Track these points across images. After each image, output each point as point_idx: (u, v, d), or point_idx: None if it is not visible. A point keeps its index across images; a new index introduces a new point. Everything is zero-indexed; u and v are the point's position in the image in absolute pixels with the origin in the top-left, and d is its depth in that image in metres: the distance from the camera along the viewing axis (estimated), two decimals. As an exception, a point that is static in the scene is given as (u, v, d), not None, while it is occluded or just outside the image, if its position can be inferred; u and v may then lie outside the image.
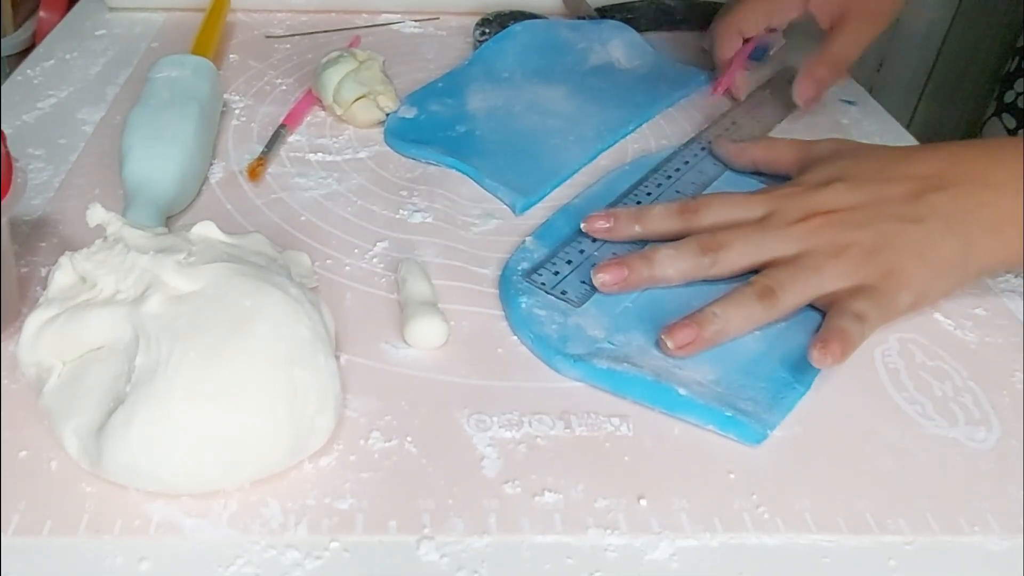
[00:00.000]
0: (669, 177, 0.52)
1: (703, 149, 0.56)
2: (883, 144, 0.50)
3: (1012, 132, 0.76)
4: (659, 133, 0.60)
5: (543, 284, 0.43)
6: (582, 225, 0.46)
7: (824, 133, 0.61)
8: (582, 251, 0.45)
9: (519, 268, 0.44)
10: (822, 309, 0.42)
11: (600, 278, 0.42)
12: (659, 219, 0.45)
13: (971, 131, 0.84)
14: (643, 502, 0.33)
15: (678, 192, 0.51)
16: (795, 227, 0.43)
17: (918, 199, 0.43)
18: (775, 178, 0.51)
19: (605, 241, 0.46)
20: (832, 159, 0.47)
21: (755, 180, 0.53)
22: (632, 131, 0.60)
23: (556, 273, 0.44)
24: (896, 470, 0.35)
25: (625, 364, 0.38)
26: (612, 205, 0.49)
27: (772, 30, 0.65)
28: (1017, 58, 0.78)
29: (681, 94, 0.65)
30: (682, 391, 0.37)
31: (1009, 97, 0.77)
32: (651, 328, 0.41)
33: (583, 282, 0.43)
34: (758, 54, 0.67)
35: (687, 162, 0.54)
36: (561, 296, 0.42)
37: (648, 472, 0.35)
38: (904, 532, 0.33)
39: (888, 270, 0.41)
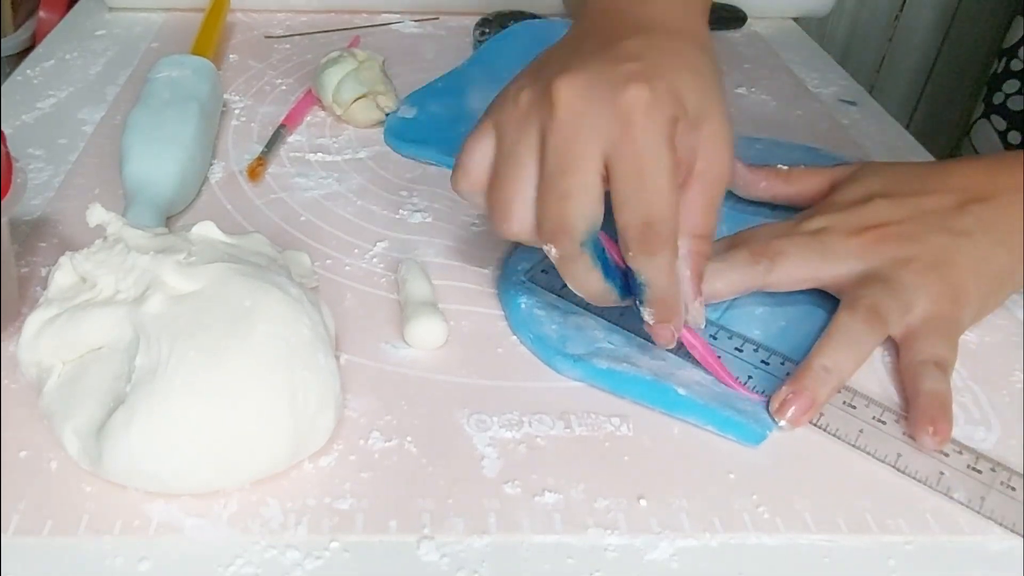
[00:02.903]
0: None
1: None
2: (910, 160, 0.48)
3: (1003, 134, 0.76)
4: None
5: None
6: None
7: (824, 133, 0.61)
8: None
9: (519, 268, 0.44)
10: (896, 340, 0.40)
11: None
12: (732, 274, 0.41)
13: (961, 132, 0.85)
14: (643, 502, 0.33)
15: None
16: (853, 240, 0.41)
17: (961, 211, 0.41)
18: (786, 211, 0.47)
19: None
20: (862, 179, 0.45)
21: (758, 216, 0.48)
22: (632, 131, 0.60)
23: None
24: (896, 470, 0.35)
25: (624, 364, 0.38)
26: None
27: None
28: (1004, 59, 0.78)
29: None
30: (681, 391, 0.37)
31: (998, 98, 0.77)
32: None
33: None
34: None
35: None
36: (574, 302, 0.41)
37: (648, 472, 0.35)
38: (904, 532, 0.33)
39: (950, 286, 0.40)
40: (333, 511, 0.32)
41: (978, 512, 0.33)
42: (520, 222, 0.36)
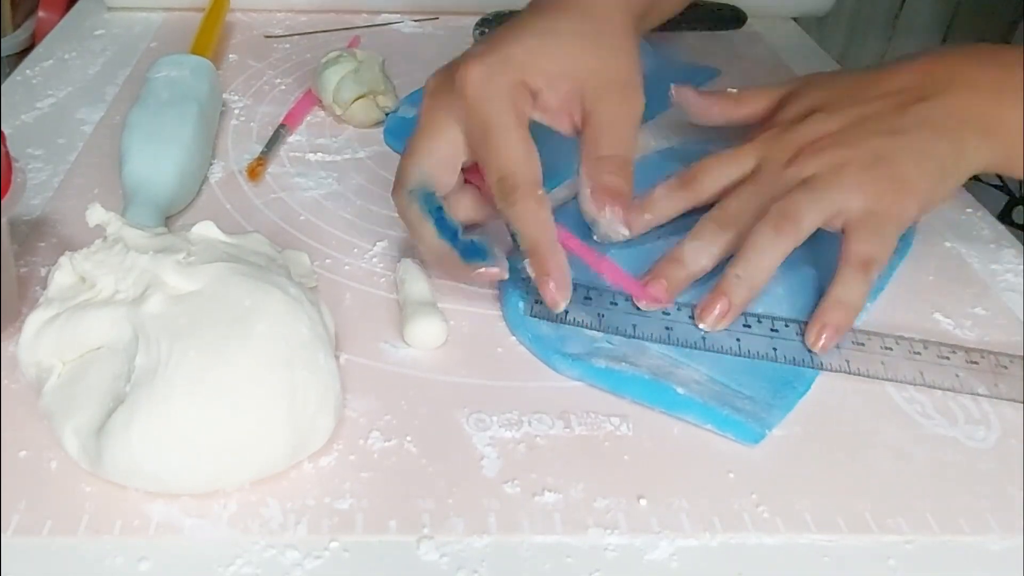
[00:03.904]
0: None
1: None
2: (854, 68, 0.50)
3: None
4: (659, 133, 0.60)
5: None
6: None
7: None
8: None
9: (518, 268, 0.44)
10: (837, 235, 0.41)
11: (643, 304, 0.41)
12: (665, 201, 0.45)
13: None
14: (643, 502, 0.33)
15: None
16: (790, 167, 0.42)
17: (902, 112, 0.43)
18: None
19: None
20: (804, 94, 0.47)
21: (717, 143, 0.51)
22: (632, 131, 0.60)
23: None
24: (896, 470, 0.35)
25: (623, 363, 0.38)
26: None
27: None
28: None
29: (681, 94, 0.65)
30: (680, 390, 0.37)
31: None
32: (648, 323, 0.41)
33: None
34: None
35: None
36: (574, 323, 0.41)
37: (648, 472, 0.35)
38: (904, 532, 0.33)
39: (891, 181, 0.41)
40: (333, 511, 0.32)
41: (1001, 398, 0.39)
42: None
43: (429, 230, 0.40)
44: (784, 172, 0.42)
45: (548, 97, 0.42)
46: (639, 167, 0.53)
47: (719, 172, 0.45)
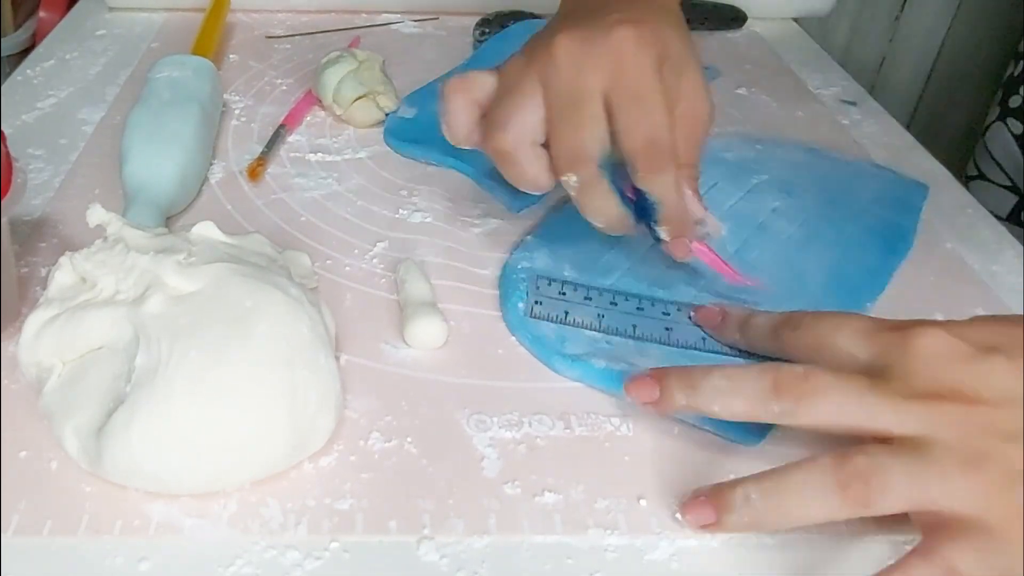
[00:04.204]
0: None
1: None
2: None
3: (1019, 137, 0.75)
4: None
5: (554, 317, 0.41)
6: (696, 316, 0.40)
7: (824, 134, 0.61)
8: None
9: (519, 268, 0.44)
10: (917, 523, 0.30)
11: (630, 392, 0.34)
12: (759, 331, 0.38)
13: (972, 132, 0.84)
14: (643, 502, 0.33)
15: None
16: (919, 403, 0.30)
17: None
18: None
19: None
20: (977, 324, 0.33)
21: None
22: (632, 131, 0.60)
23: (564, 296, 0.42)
24: (896, 470, 0.35)
25: (623, 364, 0.38)
26: None
27: None
28: (1021, 62, 0.78)
29: (681, 94, 0.64)
30: (682, 391, 0.37)
31: (1015, 102, 0.76)
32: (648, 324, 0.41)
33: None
34: None
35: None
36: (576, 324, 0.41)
37: (648, 472, 0.35)
38: (905, 532, 0.33)
39: None
40: (333, 511, 0.32)
41: None
42: (517, 131, 0.39)
43: (615, 201, 0.39)
44: (908, 402, 0.30)
45: None
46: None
47: (827, 334, 0.34)
